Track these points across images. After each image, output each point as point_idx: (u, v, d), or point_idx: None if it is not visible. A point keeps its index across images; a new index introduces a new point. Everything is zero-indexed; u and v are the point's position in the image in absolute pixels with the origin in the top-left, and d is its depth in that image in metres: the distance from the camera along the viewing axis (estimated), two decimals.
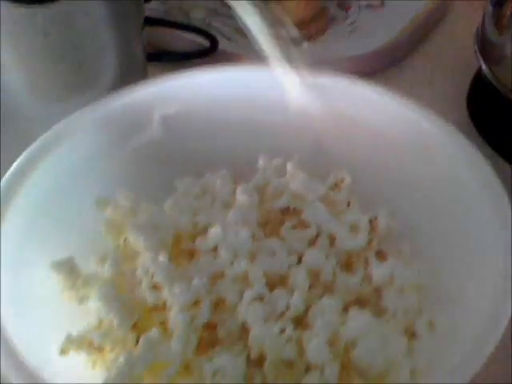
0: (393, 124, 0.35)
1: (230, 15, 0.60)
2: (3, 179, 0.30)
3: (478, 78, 0.51)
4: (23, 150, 0.32)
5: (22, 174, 0.31)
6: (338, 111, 0.35)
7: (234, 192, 0.35)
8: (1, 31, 0.32)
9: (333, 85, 0.36)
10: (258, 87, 0.36)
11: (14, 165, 0.31)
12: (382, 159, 0.35)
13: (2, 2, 0.31)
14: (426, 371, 0.29)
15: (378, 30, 0.58)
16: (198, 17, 0.61)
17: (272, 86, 0.35)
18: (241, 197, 0.34)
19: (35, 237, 0.31)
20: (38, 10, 0.32)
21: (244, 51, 0.54)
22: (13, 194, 0.30)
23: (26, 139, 0.32)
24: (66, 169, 0.33)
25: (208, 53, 0.52)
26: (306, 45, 0.57)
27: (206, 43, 0.52)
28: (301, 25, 0.57)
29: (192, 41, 0.53)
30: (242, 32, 0.58)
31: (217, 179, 0.36)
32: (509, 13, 0.44)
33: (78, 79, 0.37)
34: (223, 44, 0.53)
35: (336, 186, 0.36)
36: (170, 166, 0.36)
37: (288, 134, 0.37)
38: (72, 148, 0.33)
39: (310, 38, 0.57)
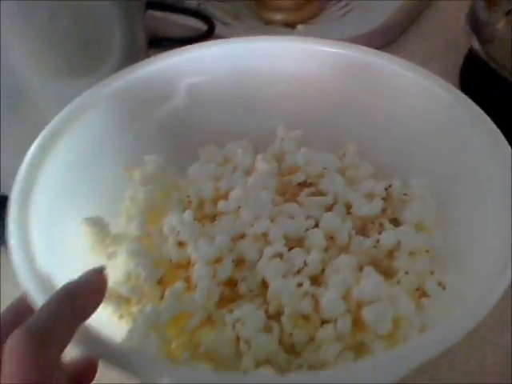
0: (405, 91, 0.36)
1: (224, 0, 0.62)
2: (37, 141, 0.32)
3: (470, 56, 0.53)
4: (39, 127, 0.33)
5: (54, 135, 0.32)
6: (351, 82, 0.37)
7: (254, 161, 0.37)
8: (9, 13, 0.33)
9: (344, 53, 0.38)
10: (279, 57, 0.38)
11: (47, 128, 0.32)
12: (395, 128, 0.37)
13: None
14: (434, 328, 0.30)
15: (371, 12, 0.59)
16: (191, 1, 0.62)
17: (293, 57, 0.37)
18: (260, 164, 0.36)
19: (67, 195, 0.33)
20: None
21: (239, 35, 0.56)
22: (47, 154, 0.32)
23: (41, 118, 0.34)
24: (97, 134, 0.34)
25: (205, 37, 0.54)
26: (301, 27, 0.59)
27: (201, 28, 0.54)
28: (296, 8, 0.60)
29: (187, 26, 0.56)
30: (236, 16, 0.61)
31: (238, 148, 0.37)
32: None
33: (84, 59, 0.38)
34: (218, 29, 0.55)
35: (343, 156, 0.38)
36: (194, 134, 0.38)
37: (307, 106, 0.39)
38: (100, 115, 0.35)
39: (304, 20, 0.59)
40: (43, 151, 0.31)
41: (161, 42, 0.52)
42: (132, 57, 0.39)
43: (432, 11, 0.63)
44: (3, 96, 0.36)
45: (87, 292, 0.25)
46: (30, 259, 0.28)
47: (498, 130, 0.32)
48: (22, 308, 0.26)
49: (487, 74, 0.47)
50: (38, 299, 0.26)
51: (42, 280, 0.27)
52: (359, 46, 0.37)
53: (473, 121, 0.33)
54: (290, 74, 0.38)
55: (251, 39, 0.39)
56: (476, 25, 0.48)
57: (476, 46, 0.47)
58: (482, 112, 0.33)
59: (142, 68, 0.36)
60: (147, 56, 0.41)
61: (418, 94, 0.35)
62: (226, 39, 0.38)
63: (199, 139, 0.38)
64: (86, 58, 0.38)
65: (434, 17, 0.62)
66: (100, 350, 0.25)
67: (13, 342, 0.22)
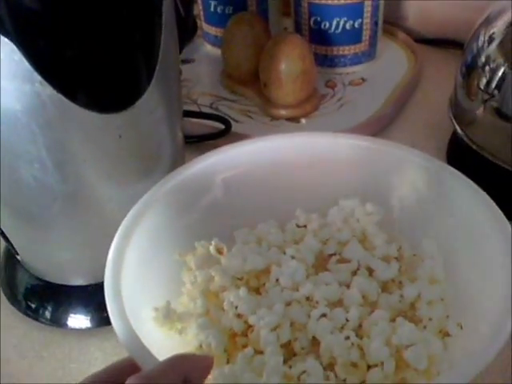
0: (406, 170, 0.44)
1: (233, 99, 0.71)
2: (114, 243, 0.38)
3: (454, 139, 0.60)
4: (98, 223, 0.42)
5: (126, 235, 0.38)
6: (362, 167, 0.45)
7: (284, 238, 0.44)
8: (82, 134, 0.39)
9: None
10: (296, 150, 0.46)
11: (119, 231, 0.38)
12: (403, 203, 0.45)
13: (85, 110, 0.38)
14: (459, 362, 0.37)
15: (363, 103, 0.69)
16: (205, 103, 0.72)
17: (308, 149, 0.45)
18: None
19: (140, 283, 0.38)
20: (114, 117, 0.40)
21: (251, 131, 0.65)
22: (122, 253, 0.37)
23: (101, 216, 0.43)
24: (157, 229, 0.41)
25: (223, 134, 0.65)
26: (303, 121, 0.68)
27: (217, 126, 0.65)
28: (298, 104, 0.68)
29: (205, 125, 0.66)
30: (245, 114, 0.69)
31: (269, 228, 0.44)
32: (476, 83, 0.54)
33: (141, 168, 0.44)
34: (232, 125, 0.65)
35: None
36: (230, 219, 0.45)
37: (321, 190, 0.46)
38: (158, 212, 0.41)
39: (305, 115, 0.68)
40: (121, 249, 0.38)
41: (187, 139, 0.60)
42: (174, 158, 0.47)
43: (417, 97, 0.72)
44: (67, 199, 0.42)
45: (196, 364, 0.31)
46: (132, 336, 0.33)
47: (489, 197, 0.39)
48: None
49: (470, 155, 0.54)
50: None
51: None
52: (366, 137, 0.45)
53: (467, 191, 0.40)
54: (307, 163, 0.45)
55: (273, 138, 0.47)
56: (457, 112, 0.55)
57: (458, 131, 0.55)
58: (472, 183, 0.40)
59: (188, 169, 0.43)
60: (184, 154, 0.50)
61: (415, 171, 0.43)
62: (253, 139, 0.46)
63: (234, 223, 0.44)
64: (142, 167, 0.44)
65: (420, 102, 0.71)
66: None
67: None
